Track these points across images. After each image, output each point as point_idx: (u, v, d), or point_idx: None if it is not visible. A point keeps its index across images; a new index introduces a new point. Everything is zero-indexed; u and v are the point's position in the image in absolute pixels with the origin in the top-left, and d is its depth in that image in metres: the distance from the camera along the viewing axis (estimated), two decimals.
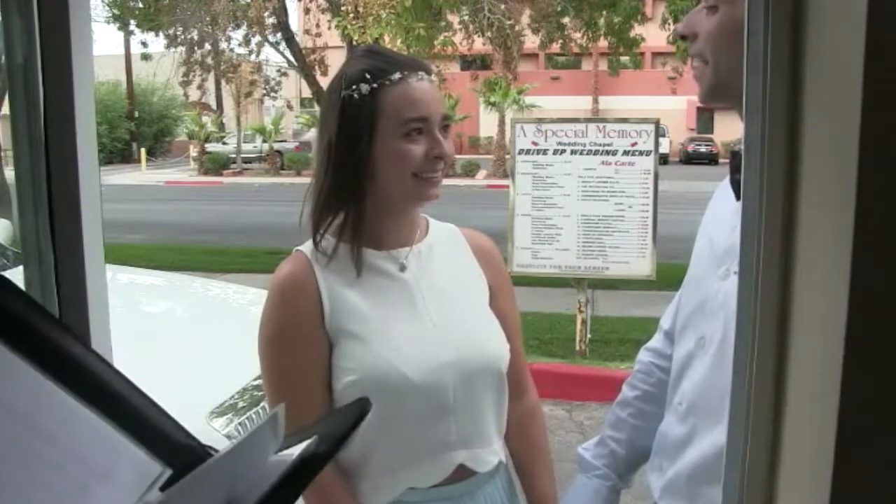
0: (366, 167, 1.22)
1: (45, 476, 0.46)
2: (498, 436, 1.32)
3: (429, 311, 1.26)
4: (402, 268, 1.28)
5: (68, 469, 0.48)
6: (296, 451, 0.53)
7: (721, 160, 26.35)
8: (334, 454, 0.53)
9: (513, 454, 1.40)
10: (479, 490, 1.28)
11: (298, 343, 1.22)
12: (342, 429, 0.56)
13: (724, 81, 1.07)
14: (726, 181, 1.21)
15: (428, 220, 1.37)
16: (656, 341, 1.39)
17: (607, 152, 4.82)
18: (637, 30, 13.11)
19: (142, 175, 26.51)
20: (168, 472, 0.53)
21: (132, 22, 15.29)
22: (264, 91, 19.01)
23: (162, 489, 0.52)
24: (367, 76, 1.21)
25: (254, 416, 2.40)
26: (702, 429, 1.14)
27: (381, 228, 1.27)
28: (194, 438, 0.56)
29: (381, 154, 1.21)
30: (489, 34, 12.95)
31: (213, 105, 31.21)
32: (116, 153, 31.47)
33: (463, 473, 1.26)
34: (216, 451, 0.57)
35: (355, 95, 1.21)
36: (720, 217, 1.20)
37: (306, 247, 1.27)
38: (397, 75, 1.21)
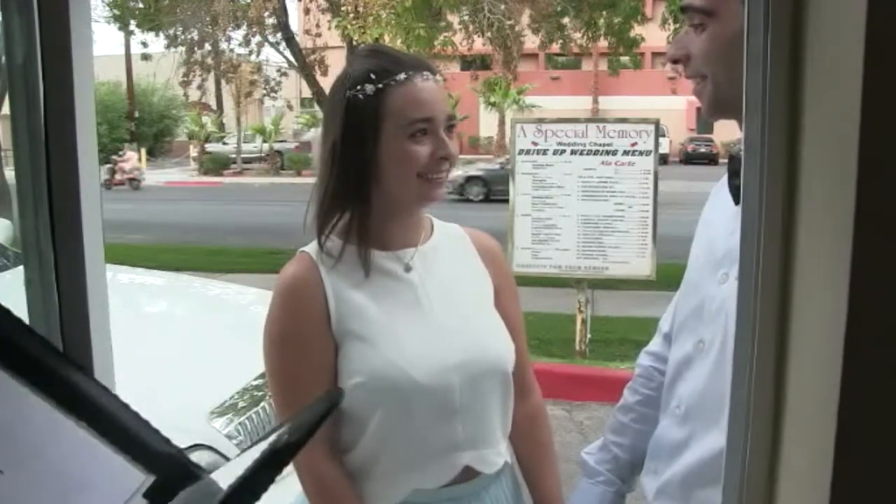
0: (371, 168, 1.21)
1: (24, 488, 0.46)
2: (503, 436, 1.32)
3: (434, 312, 1.26)
4: (408, 268, 1.28)
5: (47, 480, 0.48)
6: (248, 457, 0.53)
7: (721, 160, 26.35)
8: (305, 443, 0.53)
9: (518, 455, 1.40)
10: (485, 491, 1.28)
11: (304, 345, 1.22)
12: (312, 418, 0.56)
13: (725, 95, 1.07)
14: (722, 183, 1.21)
15: (432, 221, 1.36)
16: (655, 344, 1.38)
17: (607, 152, 4.82)
18: (637, 30, 13.12)
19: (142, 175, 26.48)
20: (151, 479, 0.54)
21: (132, 22, 15.29)
22: (264, 91, 18.99)
23: (145, 496, 0.53)
24: (372, 76, 1.20)
25: (254, 416, 2.40)
26: (699, 433, 1.14)
27: (387, 229, 1.27)
28: (173, 445, 0.56)
29: (386, 155, 1.21)
30: (489, 34, 12.96)
31: (214, 105, 31.20)
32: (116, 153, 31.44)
33: (469, 474, 1.26)
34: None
35: (360, 96, 1.20)
36: (717, 220, 1.20)
37: (311, 248, 1.27)
38: (402, 76, 1.20)
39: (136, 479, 0.53)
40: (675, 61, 1.14)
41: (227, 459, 2.17)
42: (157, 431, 0.56)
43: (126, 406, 0.54)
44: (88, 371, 0.91)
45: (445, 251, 1.33)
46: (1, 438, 0.46)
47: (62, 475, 0.49)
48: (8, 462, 0.46)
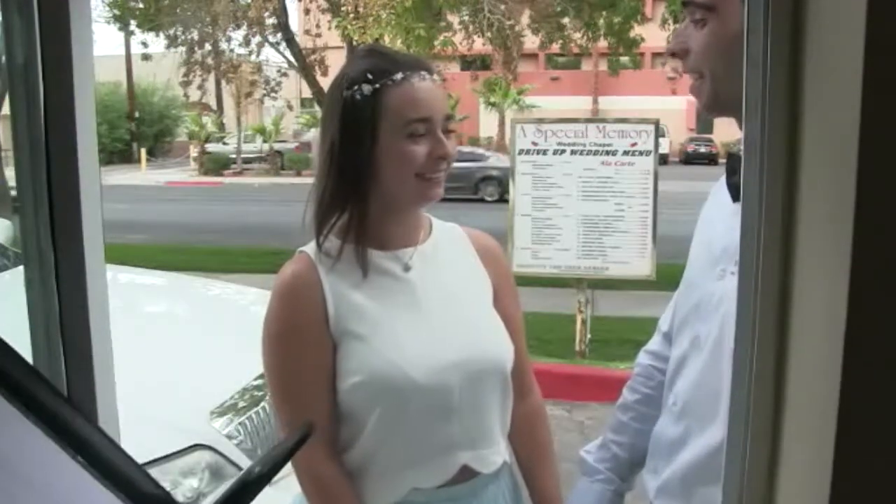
0: (369, 168, 1.21)
1: None
2: (502, 436, 1.32)
3: (433, 312, 1.26)
4: (407, 268, 1.28)
5: None
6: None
7: (721, 160, 26.32)
8: (272, 476, 0.54)
9: (517, 455, 1.40)
10: (484, 491, 1.28)
11: (302, 345, 1.22)
12: (281, 452, 0.57)
13: (724, 94, 1.06)
14: (721, 182, 1.21)
15: (431, 220, 1.36)
16: (655, 343, 1.38)
17: (607, 152, 4.81)
18: (637, 30, 13.13)
19: (142, 175, 26.51)
20: None
21: (132, 22, 15.31)
22: (264, 91, 18.97)
23: None
24: (370, 76, 1.20)
25: (254, 416, 2.40)
26: (695, 429, 1.14)
27: (385, 229, 1.27)
28: (161, 486, 0.57)
29: (383, 155, 1.21)
30: (489, 34, 12.97)
31: (214, 105, 31.20)
32: (116, 153, 31.44)
33: (467, 474, 1.26)
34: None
35: (357, 96, 1.20)
36: (716, 218, 1.20)
37: (310, 248, 1.27)
38: (399, 75, 1.20)
39: None
40: (674, 55, 1.14)
41: (228, 459, 2.17)
42: (147, 473, 0.56)
43: (120, 448, 0.55)
44: (88, 371, 0.91)
45: (444, 251, 1.33)
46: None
47: None
48: (2, 492, 0.46)
